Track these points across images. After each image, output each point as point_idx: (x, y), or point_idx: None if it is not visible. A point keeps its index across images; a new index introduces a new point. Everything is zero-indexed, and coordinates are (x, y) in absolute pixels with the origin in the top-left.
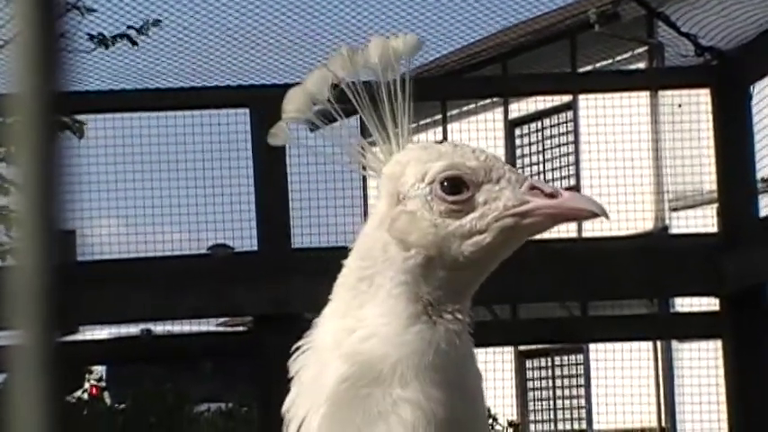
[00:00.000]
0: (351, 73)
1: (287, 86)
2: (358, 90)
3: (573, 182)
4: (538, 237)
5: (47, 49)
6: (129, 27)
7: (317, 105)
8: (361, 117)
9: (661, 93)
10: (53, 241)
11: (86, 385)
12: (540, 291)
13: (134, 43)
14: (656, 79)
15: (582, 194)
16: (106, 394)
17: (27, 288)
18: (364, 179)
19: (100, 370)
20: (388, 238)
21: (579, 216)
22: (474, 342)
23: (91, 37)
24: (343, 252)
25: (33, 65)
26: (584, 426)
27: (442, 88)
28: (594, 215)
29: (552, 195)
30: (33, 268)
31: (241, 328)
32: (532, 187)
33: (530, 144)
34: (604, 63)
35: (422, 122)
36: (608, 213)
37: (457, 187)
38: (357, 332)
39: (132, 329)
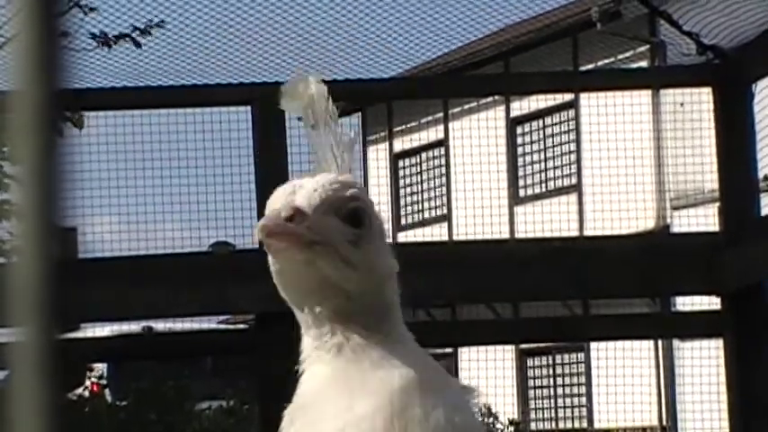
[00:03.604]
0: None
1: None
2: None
3: (574, 180)
4: (540, 235)
5: (47, 47)
6: (134, 29)
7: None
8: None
9: (663, 91)
10: (54, 238)
11: (87, 383)
12: (542, 289)
13: (138, 45)
14: (658, 78)
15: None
16: (107, 391)
17: (28, 285)
18: (366, 180)
19: (101, 367)
20: None
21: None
22: (470, 340)
23: (93, 36)
24: None
25: (34, 62)
26: (585, 424)
27: (444, 86)
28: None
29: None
30: (34, 265)
31: (242, 326)
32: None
33: (531, 143)
34: (606, 61)
35: (423, 120)
36: (258, 236)
37: None
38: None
39: (134, 327)
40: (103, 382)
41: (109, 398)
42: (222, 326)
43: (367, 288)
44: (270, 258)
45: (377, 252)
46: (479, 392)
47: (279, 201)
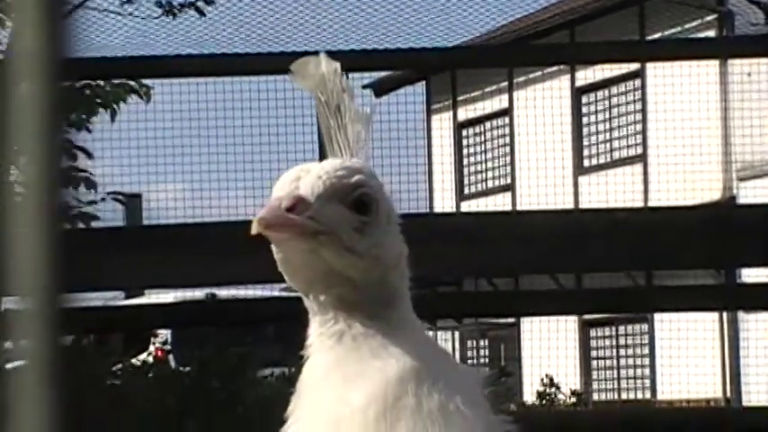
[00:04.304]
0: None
1: (353, 53)
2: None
3: (639, 150)
4: (603, 206)
5: (52, 13)
6: None
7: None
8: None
9: (730, 61)
10: (57, 207)
11: (152, 348)
12: (605, 260)
13: (202, 14)
14: (726, 48)
15: (266, 206)
16: (171, 357)
17: (31, 254)
18: (429, 149)
19: (165, 333)
20: None
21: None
22: (531, 311)
23: (159, 4)
24: (403, 220)
25: (38, 30)
26: (648, 395)
27: (509, 55)
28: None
29: None
30: (37, 235)
31: None
32: None
33: (596, 112)
34: (673, 31)
35: (487, 90)
36: (255, 229)
37: None
38: None
39: (197, 294)
40: (167, 348)
41: (172, 364)
42: (284, 293)
43: (373, 276)
44: (273, 247)
45: (384, 239)
46: (490, 374)
47: (283, 188)
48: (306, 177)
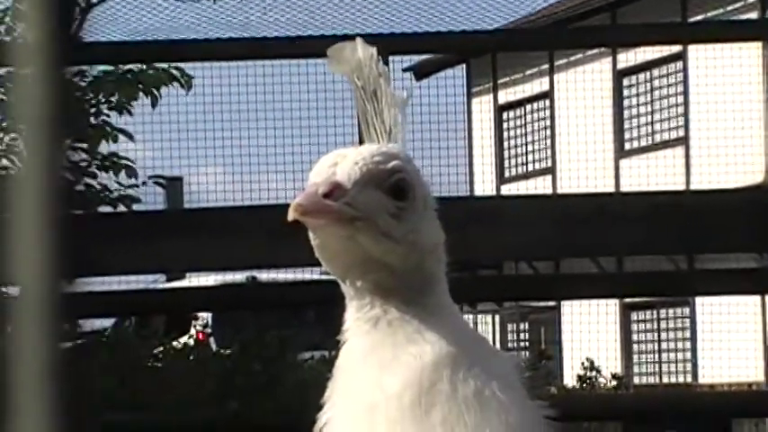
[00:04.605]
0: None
1: (393, 36)
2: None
3: (681, 133)
4: (645, 189)
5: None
6: None
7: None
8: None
9: None
10: (57, 193)
11: (193, 331)
12: (647, 244)
13: None
14: None
15: (303, 192)
16: (212, 340)
17: (31, 241)
18: (470, 132)
19: (206, 316)
20: None
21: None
22: (571, 294)
23: None
24: (444, 203)
25: (43, 15)
26: (689, 379)
27: (550, 38)
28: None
29: None
30: (37, 221)
31: None
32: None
33: (638, 95)
34: (715, 13)
35: (528, 72)
36: (292, 215)
37: None
38: None
39: (238, 277)
40: (208, 330)
41: (213, 347)
42: (325, 276)
43: (410, 262)
44: (310, 233)
45: (420, 224)
46: (527, 359)
47: (320, 174)
48: (342, 163)
